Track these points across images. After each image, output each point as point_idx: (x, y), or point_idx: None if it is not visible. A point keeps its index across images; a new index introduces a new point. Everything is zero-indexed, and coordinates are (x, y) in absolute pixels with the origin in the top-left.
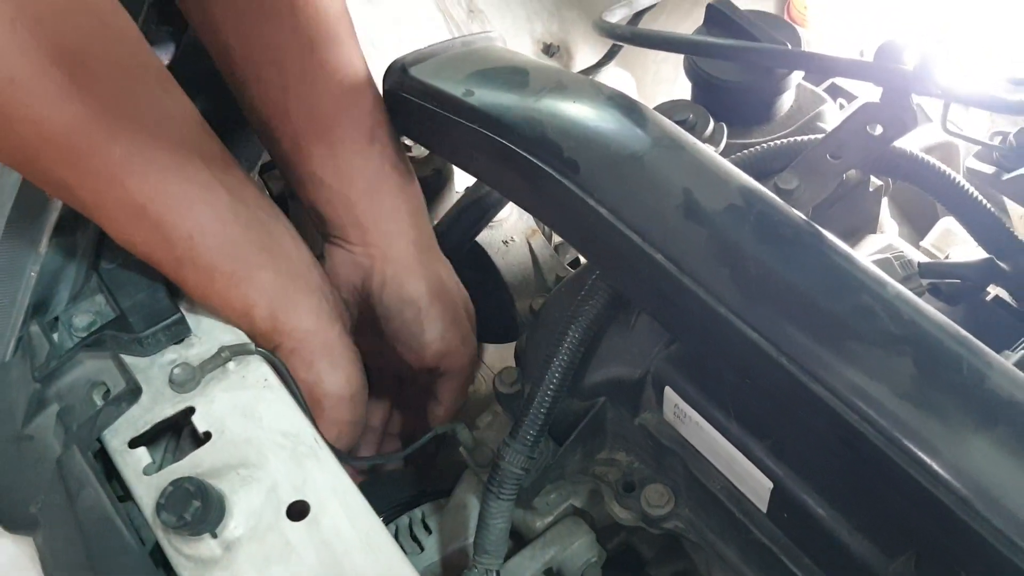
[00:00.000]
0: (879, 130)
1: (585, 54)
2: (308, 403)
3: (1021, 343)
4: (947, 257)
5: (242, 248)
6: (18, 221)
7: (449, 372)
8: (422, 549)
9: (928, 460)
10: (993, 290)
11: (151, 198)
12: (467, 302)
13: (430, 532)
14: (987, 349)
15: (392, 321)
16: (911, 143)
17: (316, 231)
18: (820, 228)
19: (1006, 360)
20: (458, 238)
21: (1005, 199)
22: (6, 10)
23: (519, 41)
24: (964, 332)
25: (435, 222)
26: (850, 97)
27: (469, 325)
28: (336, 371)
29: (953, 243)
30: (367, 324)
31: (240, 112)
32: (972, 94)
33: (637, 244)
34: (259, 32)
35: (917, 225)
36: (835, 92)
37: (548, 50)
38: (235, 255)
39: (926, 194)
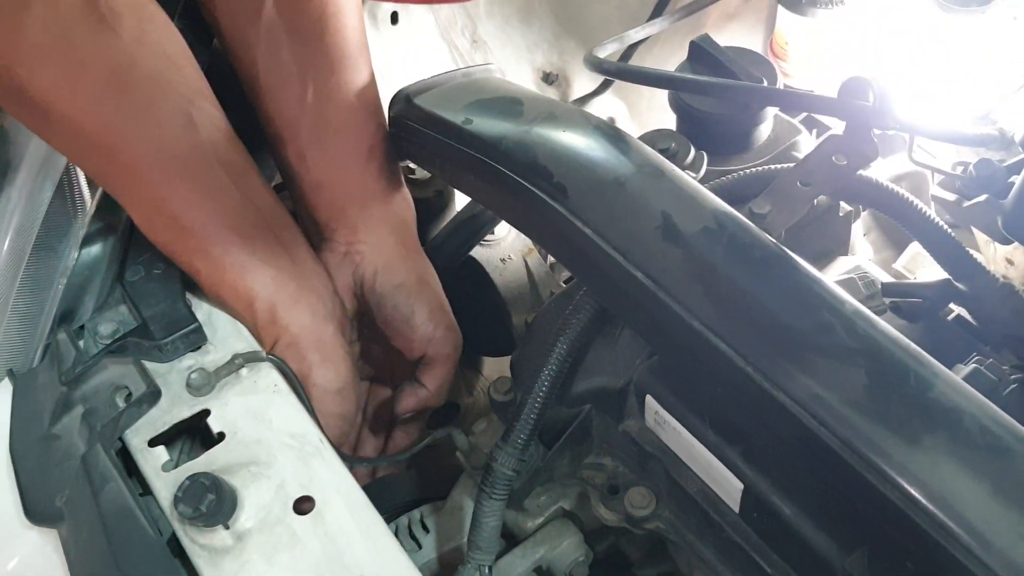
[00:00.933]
0: (844, 160)
1: (583, 82)
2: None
3: (972, 358)
4: (915, 278)
5: (249, 244)
6: (47, 236)
7: (435, 359)
8: (420, 547)
9: (878, 461)
10: (956, 309)
11: (170, 194)
12: (446, 302)
13: (428, 531)
14: (934, 361)
15: (384, 307)
16: (883, 171)
17: (314, 238)
18: (787, 250)
19: (957, 373)
20: (452, 251)
21: None
22: (57, 20)
23: (520, 70)
24: (914, 346)
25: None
26: (824, 128)
27: (452, 317)
28: (326, 366)
29: (922, 265)
30: (364, 321)
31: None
32: (931, 127)
33: (620, 263)
34: (289, 51)
35: (899, 247)
36: (811, 123)
37: (548, 78)
38: (243, 250)
39: None
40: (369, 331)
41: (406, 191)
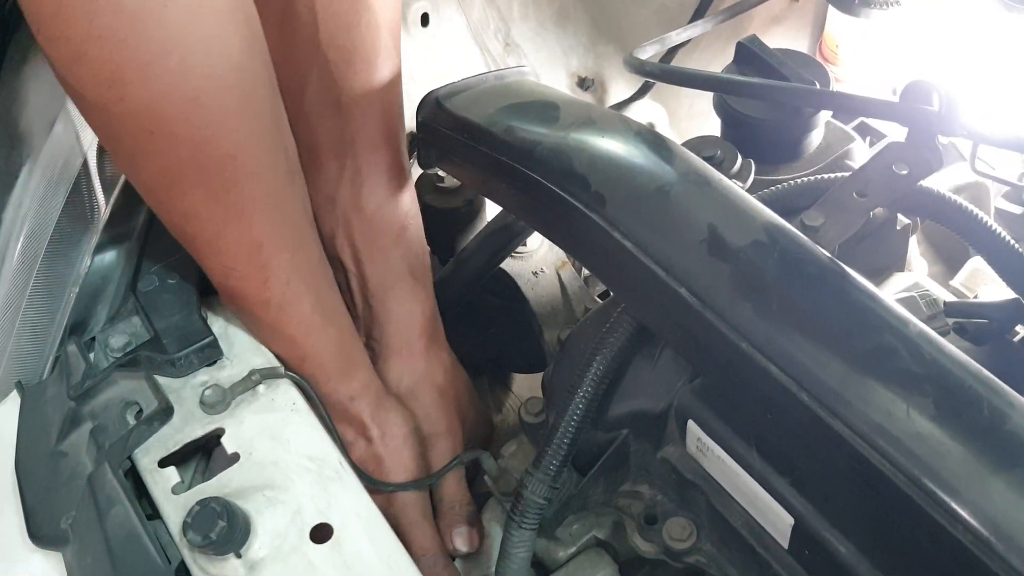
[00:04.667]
0: (905, 170)
1: (619, 88)
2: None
3: None
4: (975, 296)
5: (321, 301)
6: (59, 243)
7: (436, 447)
8: None
9: (948, 500)
10: (1021, 330)
11: (267, 239)
12: (467, 384)
13: (453, 560)
14: (1009, 389)
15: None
16: (940, 182)
17: None
18: (844, 266)
19: None
20: (482, 263)
21: None
22: (203, 32)
23: (554, 75)
24: (986, 372)
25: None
26: (878, 136)
27: (465, 409)
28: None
29: (982, 282)
30: None
31: None
32: (999, 135)
33: (662, 278)
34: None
35: (950, 263)
36: (864, 130)
37: (583, 83)
38: (315, 305)
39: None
40: None
41: (428, 263)
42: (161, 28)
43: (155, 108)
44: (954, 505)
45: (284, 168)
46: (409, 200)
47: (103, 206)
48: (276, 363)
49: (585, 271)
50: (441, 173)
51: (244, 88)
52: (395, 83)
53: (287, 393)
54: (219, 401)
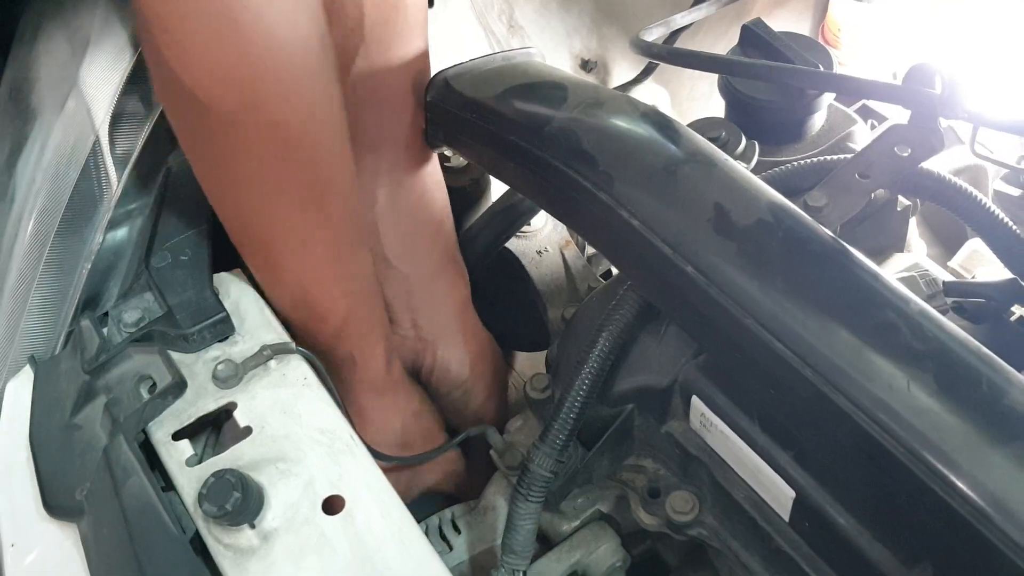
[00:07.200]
0: (907, 152)
1: (623, 70)
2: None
3: None
4: (973, 277)
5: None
6: (72, 219)
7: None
8: (451, 549)
9: (947, 473)
10: (1018, 310)
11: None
12: (499, 356)
13: (459, 532)
14: (1007, 366)
15: (441, 399)
16: (940, 164)
17: None
18: (847, 245)
19: None
20: (488, 242)
21: None
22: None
23: (558, 56)
24: (985, 349)
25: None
26: (880, 118)
27: (502, 382)
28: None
29: (980, 263)
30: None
31: None
32: (1000, 118)
33: (668, 256)
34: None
35: (948, 245)
36: (866, 113)
37: (586, 65)
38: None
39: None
40: None
41: (461, 259)
42: (281, 38)
43: (272, 115)
44: (953, 478)
45: (352, 179)
46: (442, 190)
47: (115, 183)
48: (287, 339)
49: (589, 250)
50: (448, 152)
51: (334, 109)
52: (425, 75)
53: (298, 368)
54: (231, 376)
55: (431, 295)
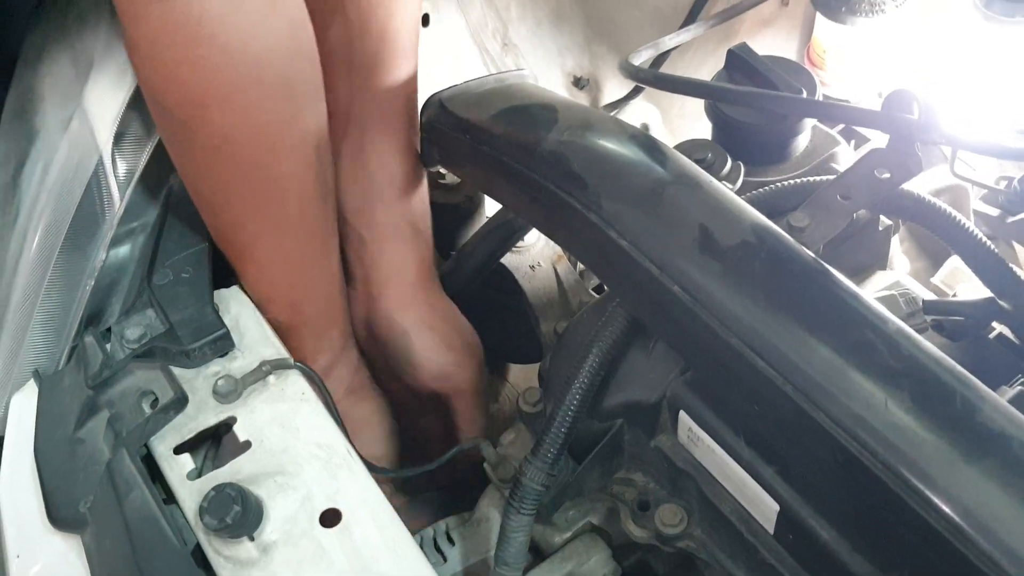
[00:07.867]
0: (886, 174)
1: (614, 87)
2: None
3: (1018, 379)
4: (955, 294)
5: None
6: (76, 236)
7: (454, 392)
8: (445, 560)
9: (923, 488)
10: (999, 327)
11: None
12: (468, 331)
13: (453, 544)
14: (980, 384)
15: (387, 348)
16: (923, 185)
17: None
18: (827, 265)
19: (1002, 395)
20: (483, 258)
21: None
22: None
23: (550, 74)
24: (959, 367)
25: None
26: (863, 139)
27: (467, 351)
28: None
29: (962, 280)
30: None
31: None
32: (976, 141)
33: (655, 275)
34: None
35: (934, 258)
36: (849, 134)
37: (578, 83)
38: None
39: None
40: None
41: (428, 219)
42: (245, 63)
43: (229, 132)
44: (928, 492)
45: (323, 192)
46: (412, 163)
47: (118, 202)
48: (286, 354)
49: (580, 265)
50: (442, 171)
51: (306, 121)
52: (414, 100)
53: (296, 383)
54: (231, 391)
55: (382, 253)
